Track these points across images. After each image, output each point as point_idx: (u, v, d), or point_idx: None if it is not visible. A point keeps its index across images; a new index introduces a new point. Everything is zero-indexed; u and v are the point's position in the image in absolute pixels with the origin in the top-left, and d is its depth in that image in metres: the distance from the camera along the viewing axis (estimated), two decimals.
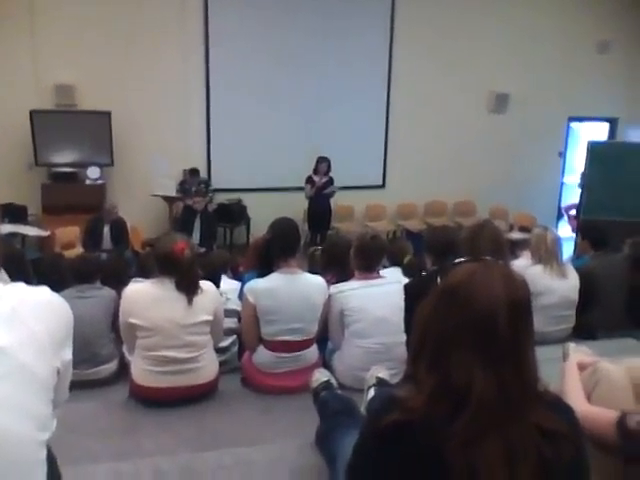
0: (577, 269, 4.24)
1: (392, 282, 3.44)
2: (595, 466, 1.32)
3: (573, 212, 9.61)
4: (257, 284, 3.22)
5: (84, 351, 3.46)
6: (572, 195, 10.35)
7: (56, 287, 1.11)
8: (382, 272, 3.65)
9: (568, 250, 6.62)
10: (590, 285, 4.21)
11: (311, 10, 8.92)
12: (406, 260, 4.37)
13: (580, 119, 10.70)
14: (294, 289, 3.20)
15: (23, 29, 7.80)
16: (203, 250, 7.00)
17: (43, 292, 1.07)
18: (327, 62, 9.12)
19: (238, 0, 8.66)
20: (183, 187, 8.27)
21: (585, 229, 4.85)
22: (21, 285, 1.04)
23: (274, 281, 3.21)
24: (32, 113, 7.74)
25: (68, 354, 1.08)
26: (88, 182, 8.08)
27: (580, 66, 10.09)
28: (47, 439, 1.00)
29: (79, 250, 6.76)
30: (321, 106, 9.20)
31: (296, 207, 8.26)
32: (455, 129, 9.85)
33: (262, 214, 7.35)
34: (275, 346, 3.25)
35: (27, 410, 0.94)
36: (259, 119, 8.97)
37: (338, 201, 8.74)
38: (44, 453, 0.99)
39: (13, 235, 6.72)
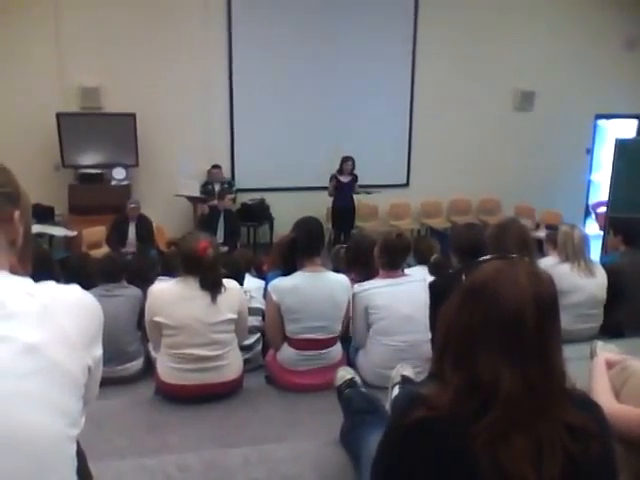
0: (605, 266, 4.18)
1: (417, 280, 3.43)
2: (623, 464, 1.30)
3: (601, 210, 9.47)
4: (280, 282, 3.23)
5: (111, 349, 3.49)
6: (599, 193, 10.21)
7: (83, 286, 1.12)
8: (408, 270, 3.63)
9: (596, 248, 6.53)
10: (618, 282, 4.15)
11: (334, 9, 8.91)
12: (433, 259, 4.35)
13: (607, 116, 10.55)
14: (318, 287, 3.20)
15: (49, 33, 7.91)
16: (226, 249, 7.06)
17: (74, 290, 1.08)
18: (351, 61, 9.10)
19: (261, 1, 8.67)
20: (206, 188, 8.33)
21: (619, 225, 4.76)
22: (52, 283, 1.05)
23: (298, 279, 3.21)
24: (59, 116, 7.85)
25: (98, 351, 1.09)
26: (114, 183, 8.17)
27: (607, 63, 9.95)
28: (77, 435, 1.01)
29: (105, 250, 6.84)
30: (344, 105, 9.19)
31: (319, 206, 8.27)
32: (480, 127, 9.78)
33: (285, 213, 7.40)
34: (299, 344, 3.25)
35: (58, 406, 0.95)
36: (282, 119, 9.00)
37: (362, 200, 8.72)
38: (74, 449, 1.00)
39: (41, 235, 6.81)
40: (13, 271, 1.04)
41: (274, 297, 3.20)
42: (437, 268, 4.03)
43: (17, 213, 1.06)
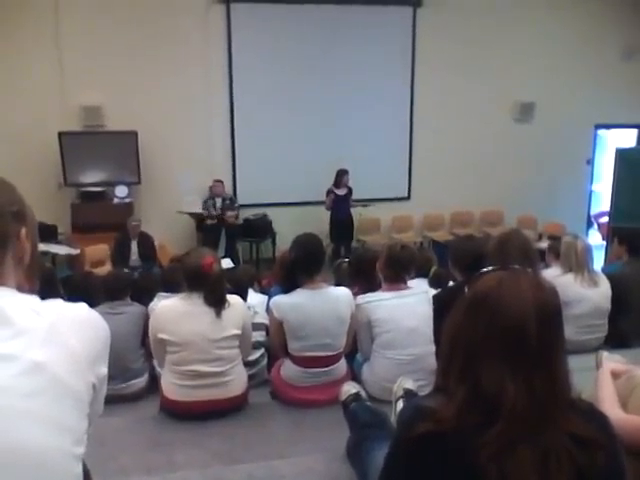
0: (609, 276, 4.17)
1: (420, 292, 3.42)
2: (631, 474, 1.29)
3: (603, 220, 9.46)
4: (282, 299, 3.22)
5: (115, 366, 3.49)
6: (601, 203, 10.20)
7: (86, 304, 1.13)
8: (410, 283, 3.62)
9: (598, 258, 6.52)
10: (623, 292, 4.14)
11: (333, 24, 8.96)
12: (433, 271, 4.34)
13: (607, 126, 10.57)
14: (320, 304, 3.18)
15: (50, 52, 7.97)
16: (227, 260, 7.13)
17: (81, 308, 1.08)
18: (350, 75, 9.14)
19: (260, 16, 8.73)
20: (207, 204, 8.35)
21: (624, 234, 4.75)
22: (59, 301, 1.06)
23: (299, 297, 3.19)
24: (61, 134, 7.89)
25: (104, 369, 1.09)
26: (116, 201, 8.19)
27: (606, 73, 9.98)
28: (82, 453, 1.01)
29: (108, 268, 6.85)
30: (345, 119, 9.22)
31: (321, 220, 8.29)
32: (481, 139, 9.80)
33: (288, 228, 7.40)
34: (303, 361, 3.23)
35: (64, 425, 0.95)
36: (283, 134, 9.03)
37: (363, 213, 8.73)
38: (80, 467, 1.00)
39: (44, 254, 6.82)
40: (20, 288, 1.05)
41: (275, 313, 3.19)
42: (437, 280, 4.02)
43: (24, 230, 1.06)
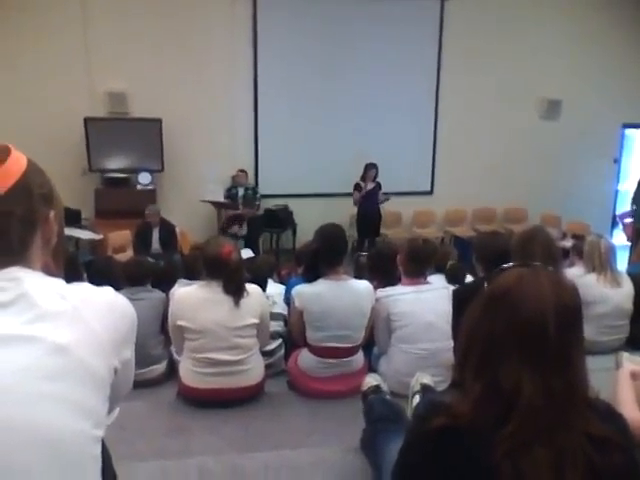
0: (632, 276, 4.12)
1: (440, 288, 3.41)
2: None
3: (628, 220, 9.34)
4: (304, 289, 3.23)
5: (135, 352, 3.52)
6: (627, 203, 10.07)
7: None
8: (429, 278, 3.61)
9: (622, 258, 6.44)
10: None
11: (359, 18, 8.90)
12: (449, 265, 4.32)
13: (635, 125, 10.41)
14: (342, 296, 3.19)
15: (77, 39, 8.03)
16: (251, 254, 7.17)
17: (106, 292, 1.09)
18: (376, 68, 9.10)
19: (287, 8, 8.72)
20: (230, 192, 8.39)
21: None
22: (86, 285, 1.07)
23: (321, 287, 3.20)
24: (86, 120, 7.96)
25: (128, 353, 1.10)
26: (139, 187, 8.25)
27: (635, 72, 9.82)
28: (101, 435, 1.02)
29: (130, 253, 6.91)
30: (369, 112, 9.18)
31: (342, 213, 8.26)
32: (505, 135, 9.71)
33: (308, 219, 7.40)
34: (321, 351, 3.24)
35: (84, 407, 0.97)
36: (306, 125, 9.02)
37: (386, 207, 8.70)
38: (99, 449, 1.01)
39: (68, 238, 6.90)
40: (46, 270, 1.06)
41: (297, 302, 3.21)
42: (453, 275, 4.00)
43: (52, 213, 1.08)
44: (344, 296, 3.20)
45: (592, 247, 4.08)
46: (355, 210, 8.42)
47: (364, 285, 3.33)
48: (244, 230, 8.13)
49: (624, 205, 10.24)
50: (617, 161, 10.46)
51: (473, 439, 1.17)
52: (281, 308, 3.91)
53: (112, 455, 1.25)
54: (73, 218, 7.34)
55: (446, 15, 9.23)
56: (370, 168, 8.25)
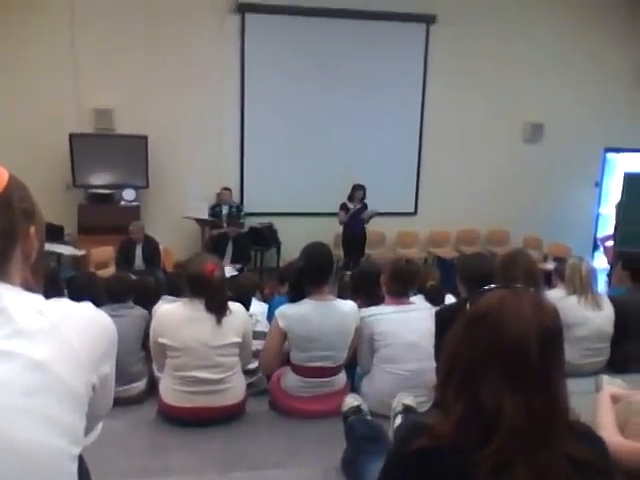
0: (613, 300, 4.16)
1: (423, 308, 3.42)
2: None
3: (609, 243, 9.44)
4: (289, 310, 3.17)
5: (115, 369, 3.49)
6: (608, 226, 10.18)
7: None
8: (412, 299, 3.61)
9: (602, 281, 6.50)
10: (625, 317, 4.12)
11: (346, 39, 9.00)
12: (428, 286, 4.34)
13: (617, 150, 10.57)
14: (327, 318, 3.16)
15: (65, 56, 8.05)
16: (239, 267, 7.22)
17: (86, 308, 1.09)
18: (362, 89, 9.18)
19: (274, 28, 8.80)
20: (214, 211, 8.38)
21: (629, 260, 4.72)
22: (65, 301, 1.06)
23: (307, 309, 3.16)
24: (72, 136, 7.95)
25: (106, 368, 1.09)
26: (123, 203, 8.23)
27: (617, 96, 9.99)
28: (78, 453, 1.01)
29: (112, 270, 6.86)
30: (354, 132, 9.24)
31: (327, 232, 8.28)
32: (489, 158, 9.81)
33: (293, 238, 7.42)
34: (305, 371, 3.22)
35: (61, 423, 0.96)
36: (292, 144, 9.07)
37: (370, 227, 8.73)
38: (75, 466, 1.00)
39: (49, 254, 6.84)
40: (26, 286, 1.06)
41: (281, 324, 3.15)
42: (431, 295, 4.01)
43: (33, 228, 1.08)
44: (330, 318, 3.17)
45: (573, 270, 4.10)
46: (340, 230, 8.44)
47: (349, 305, 3.31)
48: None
49: (605, 228, 10.37)
50: (599, 185, 10.59)
51: (454, 459, 1.17)
52: (264, 327, 3.89)
53: (91, 474, 1.23)
54: (56, 233, 7.29)
55: (431, 39, 9.36)
56: (357, 189, 8.29)
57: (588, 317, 3.98)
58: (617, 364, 4.03)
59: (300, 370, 3.23)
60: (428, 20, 9.27)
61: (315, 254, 3.24)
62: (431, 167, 9.65)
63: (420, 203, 9.85)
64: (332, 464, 2.40)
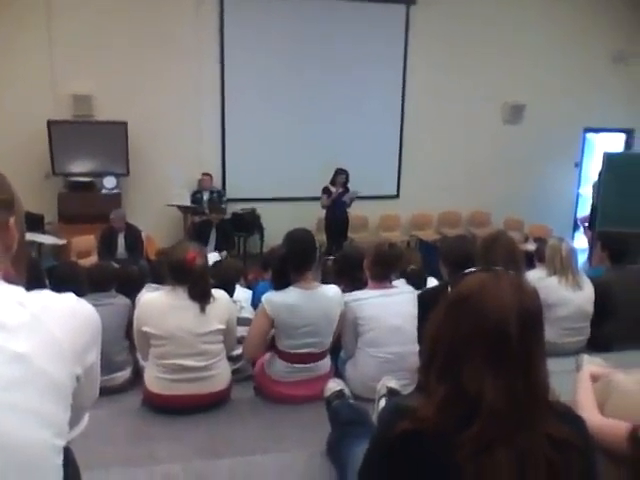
0: (592, 280, 4.21)
1: (406, 292, 3.43)
2: (606, 477, 1.31)
3: (587, 223, 9.55)
4: (276, 298, 3.14)
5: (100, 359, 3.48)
6: (588, 206, 10.29)
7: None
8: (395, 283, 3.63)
9: (582, 261, 6.56)
10: (605, 297, 4.17)
11: (327, 22, 8.97)
12: (409, 269, 4.36)
13: (596, 130, 10.65)
14: (315, 305, 3.15)
15: (41, 40, 7.92)
16: (224, 254, 7.24)
17: (68, 299, 1.08)
18: (342, 72, 9.16)
19: (253, 10, 8.72)
20: (195, 197, 8.34)
21: (608, 240, 4.77)
22: (46, 292, 1.05)
23: (294, 297, 3.13)
24: (50, 123, 7.85)
25: (92, 357, 1.08)
26: (104, 191, 8.16)
27: (596, 76, 10.06)
28: (63, 445, 1.01)
29: (94, 259, 6.82)
30: (336, 116, 9.23)
31: (310, 217, 8.29)
32: (470, 140, 9.85)
33: (276, 223, 7.40)
34: (292, 358, 3.22)
35: (44, 416, 0.95)
36: (274, 129, 9.03)
37: (352, 211, 8.74)
38: (60, 459, 1.00)
39: (30, 243, 6.78)
40: (7, 277, 1.04)
41: (269, 311, 3.12)
42: (412, 279, 4.03)
43: (12, 219, 1.06)
44: (317, 306, 3.17)
45: (553, 250, 4.14)
46: (323, 214, 8.44)
47: (334, 290, 3.30)
48: None
49: (585, 208, 10.48)
50: (578, 165, 10.67)
51: (437, 442, 1.19)
52: (249, 313, 3.89)
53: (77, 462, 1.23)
54: (35, 223, 7.22)
55: (411, 20, 9.35)
56: (340, 173, 8.28)
57: (568, 297, 4.03)
58: (597, 343, 4.09)
59: (286, 356, 3.23)
60: (408, 1, 9.24)
61: (298, 241, 3.22)
62: (413, 150, 9.67)
63: (402, 186, 9.88)
64: (317, 449, 2.42)
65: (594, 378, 2.00)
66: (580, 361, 2.22)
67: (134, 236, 7.24)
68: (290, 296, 3.14)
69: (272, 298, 3.15)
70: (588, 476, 1.22)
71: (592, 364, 2.18)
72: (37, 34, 7.92)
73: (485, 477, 1.14)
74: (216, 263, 4.90)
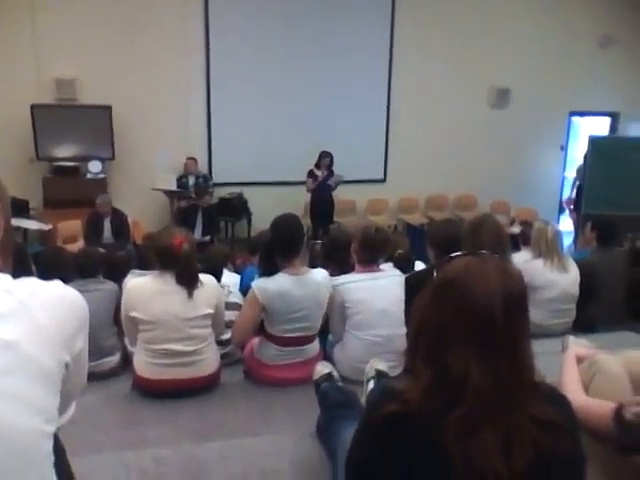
0: (578, 262, 4.25)
1: (393, 275, 3.45)
2: (591, 457, 1.33)
3: (572, 206, 9.62)
4: (267, 285, 3.12)
5: (88, 344, 3.47)
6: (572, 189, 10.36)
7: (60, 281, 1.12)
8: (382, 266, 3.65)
9: (567, 244, 6.62)
10: (590, 279, 4.22)
11: (312, 5, 8.90)
12: (396, 254, 4.37)
13: (581, 113, 10.69)
14: (305, 291, 3.16)
15: (24, 23, 7.80)
16: (208, 238, 7.21)
17: (55, 285, 1.07)
18: (328, 56, 9.11)
19: None
20: (181, 182, 8.30)
21: (597, 222, 4.82)
22: (33, 279, 1.05)
23: (284, 284, 3.12)
24: (33, 107, 7.75)
25: (80, 343, 1.08)
26: (89, 176, 8.09)
27: (581, 60, 10.08)
28: (54, 430, 1.01)
29: (81, 244, 6.78)
30: (322, 100, 9.20)
31: (297, 201, 8.28)
32: (456, 123, 9.85)
33: (263, 208, 7.40)
34: (282, 341, 3.23)
35: (34, 403, 0.95)
36: (260, 113, 8.98)
37: (339, 195, 8.74)
38: (51, 444, 1.00)
39: (15, 229, 6.72)
40: None
41: (260, 297, 3.11)
42: (399, 263, 4.05)
43: None
44: (307, 291, 3.17)
45: (539, 233, 4.18)
46: (309, 198, 8.43)
47: (322, 274, 3.31)
48: None
49: (569, 191, 10.55)
50: (564, 148, 10.72)
51: (423, 424, 1.20)
52: (237, 297, 3.90)
53: (66, 449, 1.24)
54: (20, 208, 7.16)
55: (398, 4, 9.28)
56: (324, 156, 8.27)
57: (554, 279, 4.07)
58: (582, 324, 4.15)
59: (277, 340, 3.24)
60: None
61: (285, 227, 3.21)
62: (399, 134, 9.66)
63: (389, 170, 9.88)
64: (307, 431, 2.44)
65: (579, 359, 2.03)
66: (566, 342, 2.25)
67: (120, 221, 7.21)
68: (280, 283, 3.13)
69: (263, 285, 3.14)
70: (575, 456, 1.24)
71: (577, 345, 2.20)
72: (20, 18, 7.79)
73: (472, 458, 1.16)
74: (202, 244, 4.89)
